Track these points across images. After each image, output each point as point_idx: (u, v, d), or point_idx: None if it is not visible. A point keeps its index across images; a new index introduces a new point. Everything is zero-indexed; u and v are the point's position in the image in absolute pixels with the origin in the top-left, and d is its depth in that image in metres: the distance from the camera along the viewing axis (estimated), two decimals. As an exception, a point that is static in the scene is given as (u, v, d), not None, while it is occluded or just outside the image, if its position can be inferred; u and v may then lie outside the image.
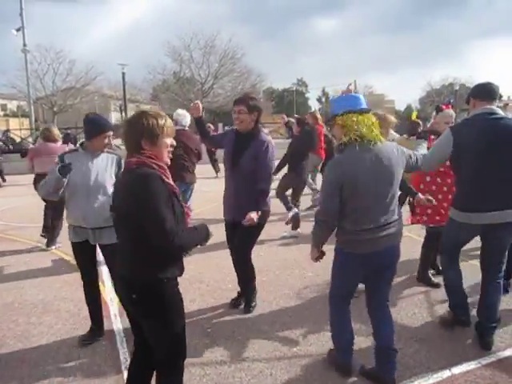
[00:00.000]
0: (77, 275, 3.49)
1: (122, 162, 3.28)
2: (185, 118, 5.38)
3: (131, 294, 2.05)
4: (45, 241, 5.99)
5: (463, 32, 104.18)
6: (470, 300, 3.39)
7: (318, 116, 7.98)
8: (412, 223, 4.31)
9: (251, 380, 2.81)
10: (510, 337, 3.21)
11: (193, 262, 4.42)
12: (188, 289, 4.12)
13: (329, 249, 2.73)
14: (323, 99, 57.38)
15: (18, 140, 21.36)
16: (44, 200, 5.35)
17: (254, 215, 3.33)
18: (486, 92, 3.04)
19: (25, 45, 24.58)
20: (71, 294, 4.19)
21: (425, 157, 2.97)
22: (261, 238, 3.78)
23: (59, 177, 3.05)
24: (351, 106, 2.50)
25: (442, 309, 3.65)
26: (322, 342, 3.20)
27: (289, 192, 6.42)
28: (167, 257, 2.05)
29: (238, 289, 3.93)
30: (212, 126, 15.72)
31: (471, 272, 3.80)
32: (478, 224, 3.00)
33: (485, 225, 2.98)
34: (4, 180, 13.12)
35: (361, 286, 2.83)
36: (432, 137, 3.87)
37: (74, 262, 3.68)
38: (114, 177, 3.22)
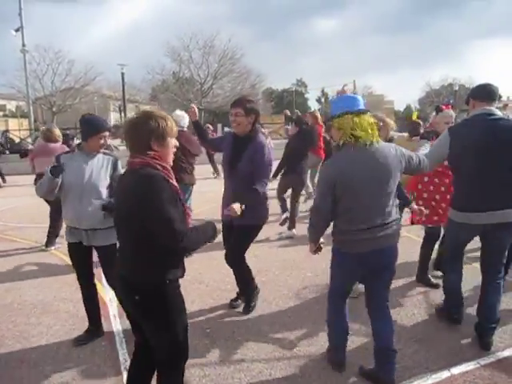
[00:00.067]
0: (76, 276, 3.48)
1: (119, 163, 3.28)
2: (183, 118, 5.35)
3: (133, 295, 2.05)
4: (44, 241, 5.99)
5: (463, 32, 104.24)
6: (469, 301, 3.39)
7: (318, 115, 7.98)
8: (412, 223, 4.31)
9: (251, 380, 2.81)
10: (509, 337, 3.22)
11: (192, 263, 4.42)
12: (187, 289, 4.08)
13: (327, 250, 2.76)
14: (322, 100, 57.43)
15: (17, 140, 21.30)
16: (46, 201, 5.36)
17: (236, 206, 3.16)
18: (485, 93, 3.05)
19: (24, 45, 24.55)
20: (70, 295, 4.19)
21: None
22: (260, 238, 3.78)
23: (51, 177, 3.06)
24: (348, 106, 2.51)
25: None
26: (321, 343, 3.20)
27: (289, 192, 6.43)
28: (170, 258, 2.05)
29: (237, 289, 3.93)
30: (211, 127, 15.73)
31: (472, 274, 3.79)
32: (477, 224, 3.01)
33: (485, 225, 2.99)
34: (4, 181, 13.11)
35: (361, 286, 2.84)
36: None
37: (72, 262, 3.67)
38: (108, 178, 3.20)
